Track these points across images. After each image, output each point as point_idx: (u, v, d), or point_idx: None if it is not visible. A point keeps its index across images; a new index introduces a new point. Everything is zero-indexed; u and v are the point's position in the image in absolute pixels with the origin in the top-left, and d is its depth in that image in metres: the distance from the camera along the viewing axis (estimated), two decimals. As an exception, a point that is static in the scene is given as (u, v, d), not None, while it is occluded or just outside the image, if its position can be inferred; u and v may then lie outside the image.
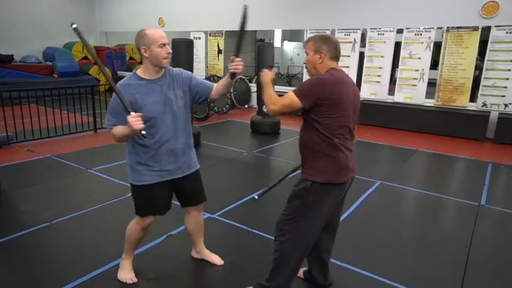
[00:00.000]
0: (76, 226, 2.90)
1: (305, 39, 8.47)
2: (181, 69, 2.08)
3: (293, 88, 1.92)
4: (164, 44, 1.86)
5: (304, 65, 1.93)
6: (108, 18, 12.19)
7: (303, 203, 1.82)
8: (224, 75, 2.08)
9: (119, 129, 1.84)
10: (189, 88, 2.03)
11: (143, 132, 1.72)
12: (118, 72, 11.63)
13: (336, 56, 1.84)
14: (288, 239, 1.86)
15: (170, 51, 1.89)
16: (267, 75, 1.88)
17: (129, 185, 2.06)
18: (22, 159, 4.56)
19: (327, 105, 1.70)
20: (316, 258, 2.12)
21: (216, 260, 2.43)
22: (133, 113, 1.72)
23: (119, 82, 1.91)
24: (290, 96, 1.73)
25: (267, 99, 1.81)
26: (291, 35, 15.98)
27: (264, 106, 1.91)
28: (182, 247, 2.62)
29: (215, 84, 2.12)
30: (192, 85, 2.04)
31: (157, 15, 10.67)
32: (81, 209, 3.14)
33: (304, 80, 8.46)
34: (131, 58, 12.39)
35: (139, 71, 1.95)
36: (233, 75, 1.98)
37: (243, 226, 2.96)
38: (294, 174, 2.48)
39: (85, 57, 11.28)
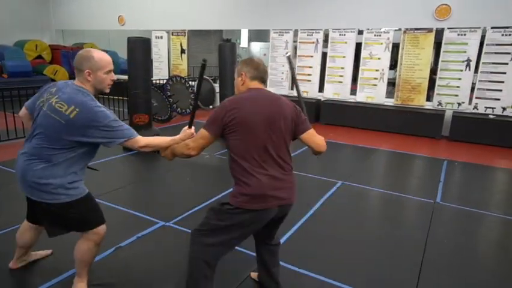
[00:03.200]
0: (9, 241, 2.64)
1: (270, 39, 8.46)
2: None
3: None
4: (110, 71, 1.84)
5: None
6: (64, 15, 11.54)
7: (216, 219, 1.75)
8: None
9: (165, 140, 1.93)
10: None
11: None
12: (76, 72, 11.05)
13: (256, 76, 1.81)
14: (197, 250, 1.79)
15: (115, 78, 1.88)
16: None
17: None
18: (-41, 168, 4.16)
19: (231, 128, 1.67)
20: (262, 265, 2.08)
21: (44, 252, 2.37)
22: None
23: (98, 109, 1.75)
24: (201, 130, 1.75)
25: (182, 147, 1.81)
26: (257, 36, 15.98)
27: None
28: (132, 260, 2.45)
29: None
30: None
31: (116, 13, 10.24)
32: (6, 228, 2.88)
33: (269, 80, 8.44)
34: (90, 57, 11.80)
35: (89, 90, 1.84)
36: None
37: (199, 233, 2.82)
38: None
39: (39, 57, 10.62)
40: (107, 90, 1.89)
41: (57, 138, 1.76)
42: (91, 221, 1.94)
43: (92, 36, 12.03)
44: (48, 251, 2.41)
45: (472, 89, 6.47)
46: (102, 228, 1.97)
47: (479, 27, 6.17)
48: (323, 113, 7.51)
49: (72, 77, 9.63)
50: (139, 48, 4.99)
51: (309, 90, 7.88)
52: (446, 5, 6.32)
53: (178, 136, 1.94)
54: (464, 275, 2.46)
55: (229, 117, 1.66)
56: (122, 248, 2.58)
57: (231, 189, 1.78)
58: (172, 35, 9.47)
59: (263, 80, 1.84)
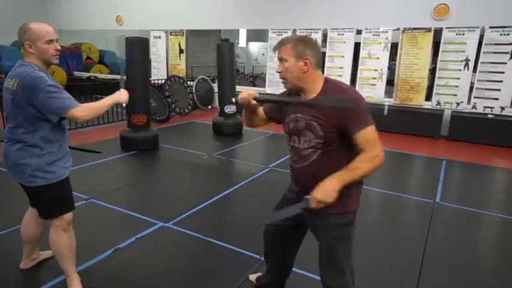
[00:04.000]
0: (12, 243, 2.62)
1: (268, 39, 8.43)
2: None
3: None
4: (51, 40, 1.78)
5: (279, 73, 1.53)
6: (62, 15, 11.50)
7: (349, 239, 1.59)
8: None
9: (102, 102, 1.87)
10: None
11: (124, 104, 1.95)
12: (74, 72, 11.02)
13: (320, 63, 1.52)
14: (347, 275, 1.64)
15: (59, 47, 1.82)
16: None
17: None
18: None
19: None
20: (284, 271, 2.02)
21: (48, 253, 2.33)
22: (123, 90, 1.98)
23: (36, 74, 1.72)
24: (373, 131, 1.46)
25: (374, 164, 1.46)
26: (255, 35, 15.95)
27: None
28: (131, 261, 2.43)
29: None
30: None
31: (114, 13, 10.21)
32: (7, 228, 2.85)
33: (267, 80, 8.43)
34: (88, 58, 11.77)
35: (36, 65, 1.79)
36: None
37: (198, 235, 2.81)
38: (248, 179, 2.28)
39: (36, 57, 10.56)
40: (55, 61, 1.84)
41: (15, 115, 1.79)
42: (62, 206, 1.93)
43: (90, 36, 11.99)
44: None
45: (471, 88, 6.47)
46: (68, 215, 1.96)
47: (477, 27, 6.17)
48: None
49: (70, 77, 9.59)
50: (137, 48, 4.96)
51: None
52: (444, 4, 6.32)
53: (112, 97, 1.95)
54: (464, 275, 2.46)
55: None
56: (121, 249, 2.56)
57: (337, 202, 1.45)
58: (171, 34, 9.44)
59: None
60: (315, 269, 2.37)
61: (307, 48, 1.46)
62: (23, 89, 1.72)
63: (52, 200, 1.90)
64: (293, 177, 1.69)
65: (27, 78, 1.71)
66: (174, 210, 3.19)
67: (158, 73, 9.60)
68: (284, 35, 8.00)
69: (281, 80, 1.55)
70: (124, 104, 1.96)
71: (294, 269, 2.37)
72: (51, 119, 1.76)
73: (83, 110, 1.77)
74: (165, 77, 8.80)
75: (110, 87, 7.78)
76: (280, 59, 1.51)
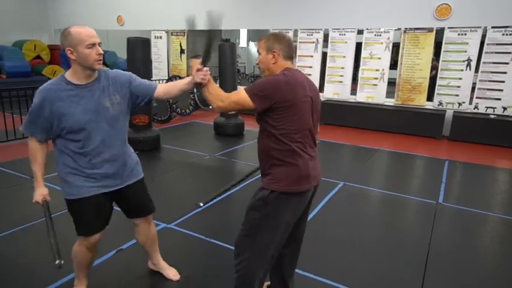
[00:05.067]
0: (12, 244, 2.61)
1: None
2: (119, 70, 1.88)
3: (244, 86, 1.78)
4: (93, 44, 1.63)
5: (257, 65, 1.79)
6: (63, 14, 11.50)
7: (261, 215, 1.67)
8: (187, 76, 1.94)
9: (33, 166, 1.76)
10: (130, 92, 1.83)
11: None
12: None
13: (289, 56, 1.73)
14: (248, 257, 1.72)
15: (102, 52, 1.67)
16: (194, 65, 1.74)
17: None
18: (-43, 170, 4.12)
19: (282, 108, 1.58)
20: (277, 272, 1.98)
21: (172, 275, 2.26)
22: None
23: (43, 85, 1.69)
24: (241, 93, 1.60)
25: (214, 96, 1.67)
26: (256, 35, 15.94)
27: (208, 103, 1.75)
28: (134, 262, 2.43)
29: (159, 85, 1.95)
30: (133, 87, 1.83)
31: (115, 13, 10.21)
32: (20, 225, 2.85)
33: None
34: (88, 58, 11.76)
35: (68, 74, 1.71)
36: (198, 85, 1.77)
37: (201, 236, 2.80)
38: (249, 179, 2.32)
39: (38, 57, 10.57)
40: (98, 66, 1.68)
41: None
42: (77, 227, 1.85)
43: (91, 36, 11.97)
44: (175, 277, 2.31)
45: (473, 88, 6.46)
46: (91, 238, 1.86)
47: (479, 27, 6.15)
48: (323, 113, 7.46)
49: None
50: (139, 48, 4.95)
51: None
52: (446, 4, 6.31)
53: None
54: (468, 276, 2.44)
55: (282, 97, 1.57)
56: (124, 250, 2.55)
57: (264, 178, 1.69)
58: (172, 35, 9.44)
59: (292, 59, 1.76)
60: (319, 270, 2.37)
61: (276, 43, 1.69)
62: None
63: (72, 216, 1.84)
64: None
65: None
66: (177, 211, 3.18)
67: (159, 73, 9.59)
68: (285, 35, 7.98)
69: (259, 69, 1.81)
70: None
71: (297, 270, 2.36)
72: None
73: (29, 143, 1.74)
74: (166, 77, 8.80)
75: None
76: (258, 52, 1.76)
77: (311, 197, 1.80)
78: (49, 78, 7.43)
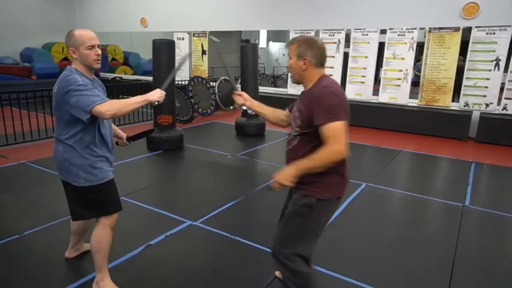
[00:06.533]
0: (49, 238, 2.75)
1: (290, 40, 8.43)
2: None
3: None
4: (93, 46, 1.85)
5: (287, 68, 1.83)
6: (89, 18, 11.88)
7: (305, 221, 1.70)
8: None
9: (130, 100, 1.85)
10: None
11: (156, 102, 1.93)
12: (100, 73, 11.35)
13: (321, 63, 1.70)
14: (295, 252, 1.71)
15: (100, 52, 1.89)
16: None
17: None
18: (-5, 166, 4.36)
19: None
20: None
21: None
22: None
23: (70, 77, 1.80)
24: (339, 127, 1.53)
25: (331, 157, 1.55)
26: (276, 36, 15.96)
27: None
28: (162, 258, 2.51)
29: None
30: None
31: (139, 15, 10.45)
32: (55, 219, 2.99)
33: (289, 80, 8.43)
34: (113, 59, 12.12)
35: (79, 70, 1.89)
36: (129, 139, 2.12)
37: (225, 233, 2.86)
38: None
39: (65, 58, 10.96)
40: (96, 66, 1.89)
41: (58, 117, 1.89)
42: (106, 207, 2.02)
43: (116, 38, 12.32)
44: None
45: (501, 89, 6.26)
46: (115, 214, 2.06)
47: (509, 26, 5.95)
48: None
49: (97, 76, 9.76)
50: (164, 50, 5.08)
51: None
52: (474, 3, 6.15)
53: (144, 95, 1.92)
54: (496, 280, 2.39)
55: (346, 108, 1.60)
56: (152, 246, 2.64)
57: (307, 185, 1.65)
58: (194, 36, 9.59)
59: (324, 67, 1.72)
60: (343, 270, 2.38)
61: (308, 49, 1.65)
62: (59, 90, 1.82)
63: (97, 201, 1.98)
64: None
65: (63, 81, 1.82)
66: (202, 209, 3.26)
67: (181, 74, 9.76)
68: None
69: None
70: (157, 103, 1.93)
71: (322, 269, 2.38)
72: (82, 117, 1.77)
73: (107, 104, 1.76)
74: (188, 78, 8.95)
75: (136, 88, 8.01)
76: (289, 55, 1.74)
77: None
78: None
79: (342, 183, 1.73)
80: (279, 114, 2.02)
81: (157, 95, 1.93)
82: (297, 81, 1.76)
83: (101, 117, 1.78)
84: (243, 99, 2.01)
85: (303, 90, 1.78)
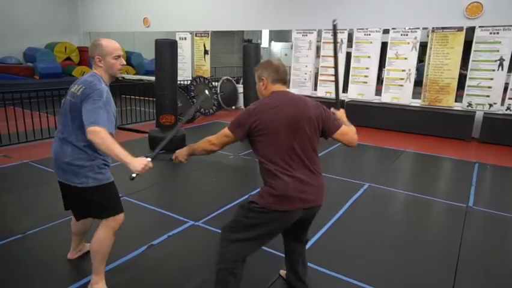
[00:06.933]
0: (52, 237, 2.75)
1: (292, 39, 8.42)
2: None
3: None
4: (119, 56, 1.94)
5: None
6: (92, 18, 11.91)
7: (240, 219, 1.81)
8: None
9: (116, 145, 1.75)
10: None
11: (134, 175, 1.80)
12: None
13: (277, 79, 1.83)
14: (222, 246, 1.84)
15: (124, 63, 1.99)
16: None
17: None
18: (-3, 166, 4.36)
19: (256, 132, 1.71)
20: (294, 273, 2.12)
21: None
22: (149, 159, 1.83)
23: (100, 89, 1.84)
24: (224, 130, 1.81)
25: (205, 146, 1.89)
26: (278, 36, 15.95)
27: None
28: (164, 258, 2.50)
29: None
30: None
31: (141, 15, 10.47)
32: (58, 219, 2.99)
33: (292, 80, 8.43)
34: (115, 59, 12.12)
35: (101, 76, 1.95)
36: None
37: (228, 234, 2.85)
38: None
39: (68, 58, 11.00)
40: (119, 74, 2.00)
41: (73, 118, 1.87)
42: (113, 207, 2.02)
43: (118, 38, 12.33)
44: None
45: (505, 89, 6.23)
46: (121, 216, 2.05)
47: (513, 25, 5.93)
48: (347, 113, 7.39)
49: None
50: (166, 49, 5.07)
51: (333, 90, 7.78)
52: (477, 2, 6.11)
53: (128, 158, 1.77)
54: (500, 281, 2.38)
55: (253, 122, 1.71)
56: (154, 246, 2.64)
57: (259, 189, 1.81)
58: (196, 36, 9.59)
59: (284, 82, 1.86)
60: (345, 271, 2.37)
61: (264, 71, 1.84)
62: (83, 94, 1.82)
63: (103, 201, 1.99)
64: None
65: (91, 88, 1.83)
66: (204, 209, 3.25)
67: (183, 74, 9.76)
68: (309, 36, 7.97)
69: None
70: (134, 175, 1.76)
71: (324, 270, 2.38)
72: (84, 122, 1.77)
73: (100, 135, 1.72)
74: (190, 78, 8.95)
75: (139, 88, 8.00)
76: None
77: (309, 216, 1.85)
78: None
79: (273, 195, 1.70)
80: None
81: (139, 166, 1.75)
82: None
83: (88, 136, 1.74)
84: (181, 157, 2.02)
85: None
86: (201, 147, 1.90)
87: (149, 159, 1.83)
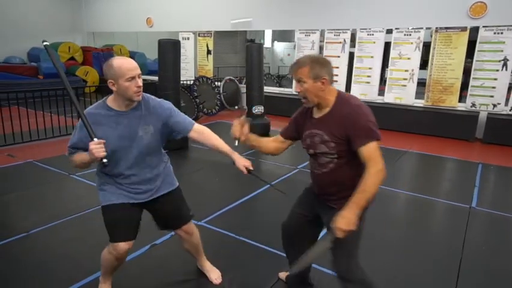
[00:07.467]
0: (55, 236, 2.77)
1: (295, 39, 8.42)
2: (162, 101, 1.89)
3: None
4: (133, 78, 1.68)
5: (297, 93, 1.68)
6: (95, 18, 11.97)
7: (356, 235, 1.68)
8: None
9: (79, 156, 1.75)
10: (165, 124, 1.86)
11: (105, 160, 1.64)
12: (106, 73, 11.43)
13: (332, 78, 1.66)
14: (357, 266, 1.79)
15: (141, 84, 1.72)
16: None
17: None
18: (1, 165, 4.39)
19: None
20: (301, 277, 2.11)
21: (214, 278, 2.29)
22: (95, 140, 1.62)
23: (86, 109, 1.79)
24: (376, 146, 1.57)
25: (375, 180, 1.55)
26: (281, 35, 15.94)
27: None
28: (166, 258, 2.51)
29: (197, 127, 1.95)
30: (170, 123, 1.87)
31: (145, 15, 10.50)
32: (61, 218, 3.01)
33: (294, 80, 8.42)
34: (119, 59, 12.17)
35: (110, 100, 1.79)
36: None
37: (230, 233, 2.86)
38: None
39: (72, 58, 11.05)
40: (137, 98, 1.73)
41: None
42: (109, 233, 1.87)
43: (122, 38, 12.39)
44: (216, 281, 2.34)
45: (509, 89, 6.20)
46: (119, 246, 1.82)
47: (517, 25, 5.89)
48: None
49: (102, 78, 10.00)
50: (169, 50, 5.09)
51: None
52: (481, 2, 6.09)
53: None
54: (503, 283, 2.37)
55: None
56: (157, 245, 2.65)
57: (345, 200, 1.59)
58: (199, 36, 9.61)
59: None
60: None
61: (323, 69, 1.60)
62: None
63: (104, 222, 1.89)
64: (314, 181, 1.82)
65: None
66: (206, 209, 3.26)
67: (186, 74, 9.78)
68: (312, 36, 7.96)
69: (302, 99, 1.68)
70: (105, 160, 1.65)
71: (328, 271, 2.37)
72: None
73: (74, 158, 1.78)
74: (193, 78, 8.97)
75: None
76: (299, 80, 1.63)
77: None
78: (82, 79, 7.77)
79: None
80: (276, 143, 1.97)
81: (94, 153, 1.63)
82: (314, 103, 1.66)
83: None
84: (241, 132, 1.86)
85: (309, 110, 1.73)
86: (373, 187, 1.56)
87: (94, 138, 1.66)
